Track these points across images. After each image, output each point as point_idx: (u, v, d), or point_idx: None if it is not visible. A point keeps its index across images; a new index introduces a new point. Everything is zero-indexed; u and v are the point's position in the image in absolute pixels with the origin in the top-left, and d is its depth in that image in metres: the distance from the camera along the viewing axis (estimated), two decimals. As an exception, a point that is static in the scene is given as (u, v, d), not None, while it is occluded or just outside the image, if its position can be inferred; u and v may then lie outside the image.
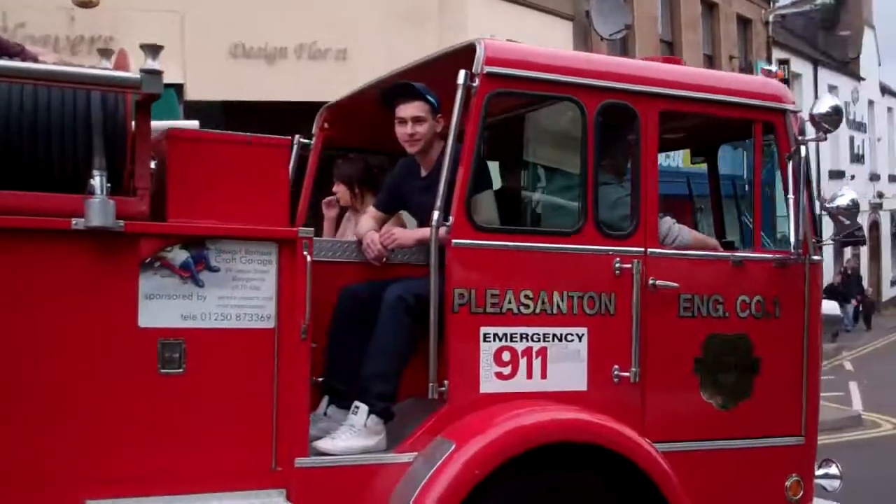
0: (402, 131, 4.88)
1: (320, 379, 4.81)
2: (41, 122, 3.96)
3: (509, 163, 5.66)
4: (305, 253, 4.24)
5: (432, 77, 4.89)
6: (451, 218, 4.49)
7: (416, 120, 4.85)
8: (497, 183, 5.22)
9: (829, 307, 5.64)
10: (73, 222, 3.87)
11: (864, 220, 33.93)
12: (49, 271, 3.91)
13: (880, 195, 37.72)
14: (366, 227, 4.92)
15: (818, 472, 5.47)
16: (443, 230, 4.48)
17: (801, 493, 5.23)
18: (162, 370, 4.06)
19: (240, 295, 4.20)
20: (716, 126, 5.59)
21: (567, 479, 4.49)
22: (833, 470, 5.48)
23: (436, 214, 4.47)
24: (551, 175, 5.23)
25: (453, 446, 4.32)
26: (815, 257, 5.29)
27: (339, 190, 5.97)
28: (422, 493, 4.22)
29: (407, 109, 4.86)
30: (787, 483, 5.21)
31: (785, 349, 5.26)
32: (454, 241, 4.50)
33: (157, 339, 4.05)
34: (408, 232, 4.77)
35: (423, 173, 4.90)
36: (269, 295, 4.25)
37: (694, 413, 5.01)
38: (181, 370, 4.08)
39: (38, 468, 3.87)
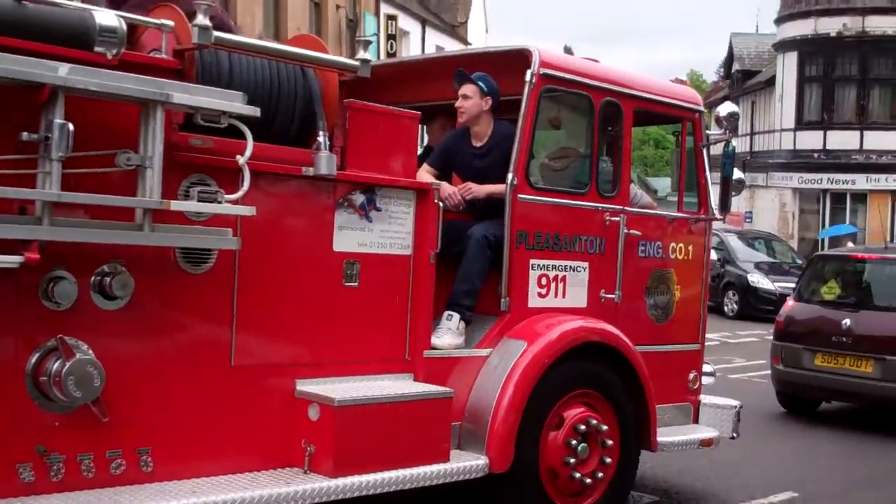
0: (457, 104, 6.41)
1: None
2: (276, 91, 5.15)
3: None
4: (437, 200, 5.72)
5: (477, 66, 6.46)
6: (515, 179, 6.13)
7: (465, 97, 6.39)
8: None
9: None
10: (304, 170, 5.12)
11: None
12: (281, 206, 5.14)
13: None
14: (427, 180, 6.36)
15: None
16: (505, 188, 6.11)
17: (697, 384, 7.41)
18: (345, 284, 5.40)
19: (392, 230, 5.61)
20: (655, 117, 7.56)
21: (589, 366, 6.31)
22: (708, 369, 7.70)
23: (510, 176, 6.10)
24: (569, 150, 6.97)
25: (525, 344, 6.01)
26: (717, 217, 7.46)
27: None
28: (510, 375, 5.87)
29: (461, 89, 6.40)
30: (690, 377, 7.36)
31: (692, 281, 7.39)
32: (519, 195, 6.15)
33: (343, 261, 5.39)
34: (481, 187, 6.32)
35: (477, 144, 6.46)
36: (409, 230, 5.69)
37: (642, 325, 7.00)
38: (356, 284, 5.45)
39: (268, 354, 5.12)
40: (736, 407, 7.44)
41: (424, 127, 7.48)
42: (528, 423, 5.90)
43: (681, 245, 7.26)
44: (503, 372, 5.92)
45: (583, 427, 6.18)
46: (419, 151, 6.81)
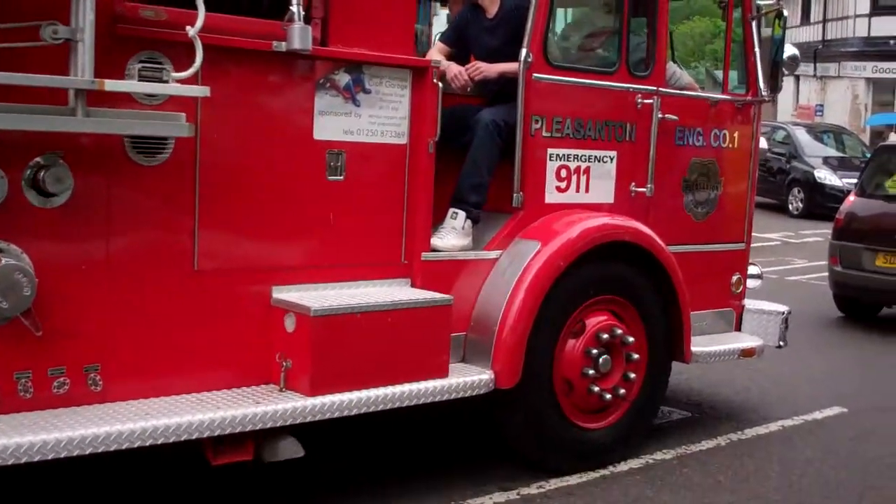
0: None
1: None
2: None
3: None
4: (436, 80, 4.99)
5: None
6: (531, 55, 5.36)
7: None
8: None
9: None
10: (274, 44, 4.42)
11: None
12: (250, 88, 4.46)
13: None
14: (437, 59, 5.64)
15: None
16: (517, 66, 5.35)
17: (741, 287, 6.67)
18: (329, 177, 4.74)
19: (384, 114, 4.91)
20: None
21: (614, 269, 5.61)
22: (755, 270, 6.95)
23: (524, 52, 5.33)
24: (593, 23, 6.15)
25: (539, 244, 5.32)
26: (762, 101, 6.61)
27: None
28: (520, 279, 5.21)
29: None
30: (733, 280, 6.62)
31: (738, 173, 6.61)
32: (534, 75, 5.39)
33: (325, 150, 4.72)
34: (492, 66, 5.58)
35: (489, 15, 5.68)
36: (404, 115, 4.99)
37: (679, 223, 6.26)
38: (342, 177, 4.78)
39: (240, 258, 4.50)
40: (783, 313, 6.71)
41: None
42: (540, 332, 5.26)
43: (725, 132, 6.45)
44: (513, 276, 5.26)
45: (605, 336, 5.52)
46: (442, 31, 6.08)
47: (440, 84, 5.02)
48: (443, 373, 4.90)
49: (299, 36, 4.40)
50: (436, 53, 5.77)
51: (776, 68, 6.43)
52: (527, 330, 5.16)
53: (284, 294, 4.60)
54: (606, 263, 5.59)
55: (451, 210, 5.37)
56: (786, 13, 6.38)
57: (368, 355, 4.62)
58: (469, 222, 5.37)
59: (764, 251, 15.52)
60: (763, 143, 7.49)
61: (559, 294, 5.34)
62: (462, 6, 6.05)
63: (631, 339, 5.63)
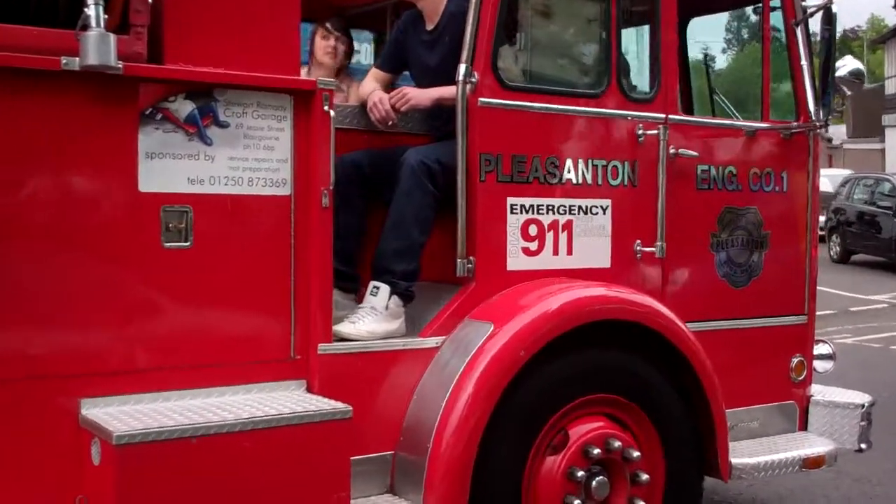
0: None
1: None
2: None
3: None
4: (327, 107, 3.63)
5: None
6: (475, 74, 3.97)
7: None
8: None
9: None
10: (64, 61, 3.14)
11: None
12: (33, 121, 3.18)
13: None
14: (369, 89, 4.32)
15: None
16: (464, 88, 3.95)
17: (805, 373, 5.05)
18: (166, 244, 3.40)
19: (252, 156, 3.57)
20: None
21: (610, 357, 4.11)
22: (825, 349, 5.32)
23: (462, 68, 3.94)
24: (572, 32, 4.73)
25: (492, 327, 3.86)
26: (821, 129, 5.05)
27: (335, 45, 4.87)
28: (464, 374, 3.75)
29: None
30: (792, 364, 5.01)
31: (790, 224, 5.03)
32: (480, 99, 3.99)
33: (159, 207, 3.39)
34: (423, 91, 4.21)
35: (429, 26, 4.32)
36: (285, 157, 3.64)
37: (710, 291, 4.72)
38: (188, 244, 3.44)
39: (29, 361, 3.18)
40: (864, 405, 5.04)
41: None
42: (497, 449, 3.79)
43: (769, 171, 4.90)
44: (454, 372, 3.80)
45: (596, 451, 3.99)
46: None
47: (332, 112, 3.65)
48: (341, 516, 3.45)
49: (95, 47, 3.12)
50: (370, 83, 4.42)
51: (829, 85, 4.87)
52: (473, 445, 3.69)
53: (95, 410, 3.24)
54: (598, 352, 4.09)
55: (372, 284, 3.97)
56: (835, 10, 4.83)
57: (214, 499, 3.20)
58: (395, 299, 3.95)
59: (868, 315, 13.59)
60: (828, 185, 5.73)
61: (525, 394, 3.86)
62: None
63: (636, 453, 4.08)
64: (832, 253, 22.71)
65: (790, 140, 4.97)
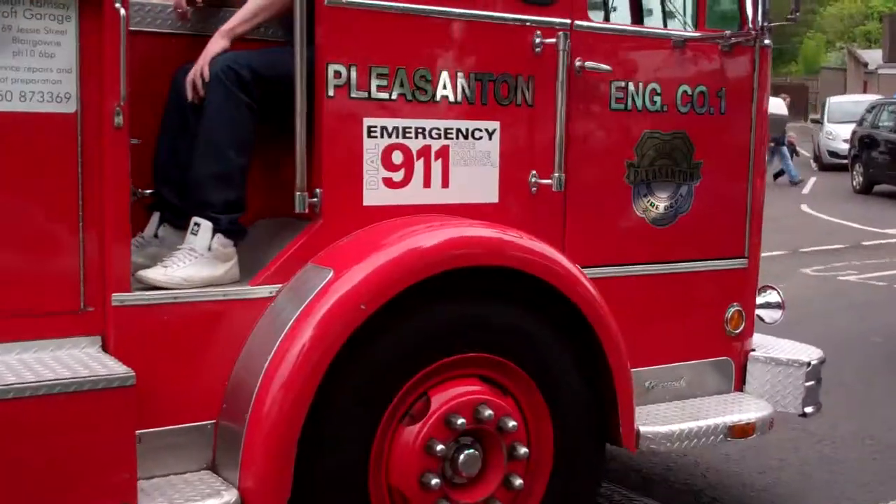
0: None
1: (148, 191, 3.60)
2: None
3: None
4: (118, 5, 2.97)
5: None
6: (321, -33, 3.28)
7: None
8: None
9: (774, 105, 4.71)
10: None
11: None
12: None
13: None
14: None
15: (757, 301, 4.65)
16: None
17: (742, 325, 4.39)
18: None
19: (25, 65, 2.93)
20: None
21: (485, 311, 3.46)
22: (773, 297, 4.66)
23: (303, -43, 3.25)
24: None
25: (331, 274, 3.23)
26: (766, 41, 4.31)
27: None
28: (288, 337, 3.13)
29: None
30: (727, 314, 4.35)
31: (728, 152, 4.33)
32: (328, -4, 3.31)
33: None
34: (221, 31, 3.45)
35: None
36: (68, 66, 2.99)
37: (624, 231, 4.04)
38: (-63, 171, 2.82)
39: None
40: (809, 363, 4.38)
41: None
42: (333, 418, 3.19)
43: (702, 88, 4.18)
44: (282, 327, 3.18)
45: (460, 421, 3.37)
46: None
47: (123, 10, 2.98)
48: (121, 500, 2.87)
49: None
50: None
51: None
52: (298, 414, 3.08)
53: None
54: (470, 304, 3.45)
55: (192, 221, 3.34)
56: None
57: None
58: (220, 238, 3.33)
59: (880, 251, 12.83)
60: (779, 107, 4.91)
61: (372, 353, 3.24)
62: None
63: (511, 423, 3.46)
64: (854, 183, 21.80)
65: (731, 54, 4.24)
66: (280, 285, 3.31)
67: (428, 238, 3.35)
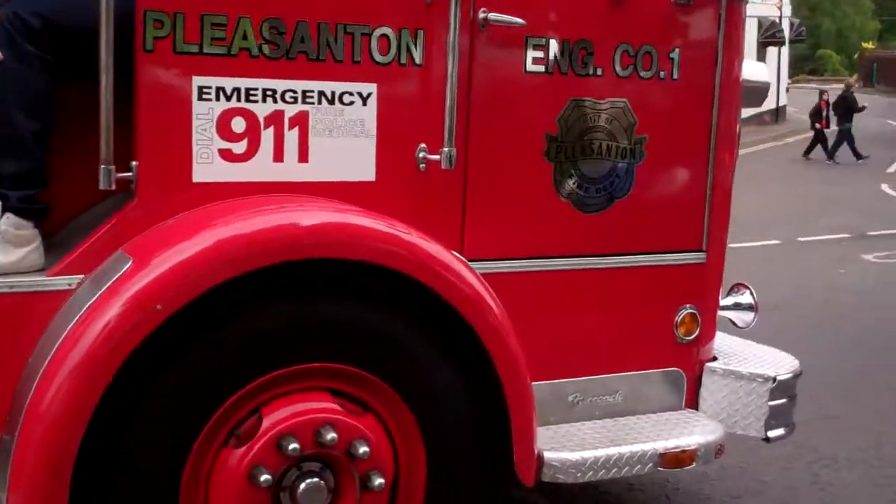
0: None
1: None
2: None
3: None
4: None
5: None
6: None
7: None
8: None
9: (755, 71, 3.99)
10: None
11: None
12: None
13: None
14: None
15: (725, 302, 3.96)
16: None
17: (697, 330, 3.70)
18: None
19: None
20: None
21: (338, 313, 2.86)
22: (745, 298, 3.96)
23: None
24: None
25: (129, 265, 2.67)
26: (731, -11, 3.60)
27: None
28: (69, 337, 2.59)
29: None
30: (678, 318, 3.67)
31: (684, 127, 3.63)
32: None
33: None
34: None
35: None
36: None
37: (542, 218, 3.39)
38: None
39: None
40: (776, 377, 3.68)
41: None
42: (126, 437, 2.64)
43: (649, 48, 3.49)
44: (63, 328, 2.64)
45: (293, 445, 2.79)
46: None
47: None
48: None
49: None
50: None
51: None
52: (73, 430, 2.53)
53: None
54: (316, 304, 2.86)
55: (-17, 200, 2.81)
56: None
57: None
58: (12, 220, 2.80)
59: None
60: (758, 72, 4.15)
61: (181, 361, 2.69)
62: None
63: (363, 448, 2.87)
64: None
65: (688, 7, 3.53)
66: (83, 276, 2.77)
67: (251, 224, 2.76)
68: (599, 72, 3.40)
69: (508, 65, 3.25)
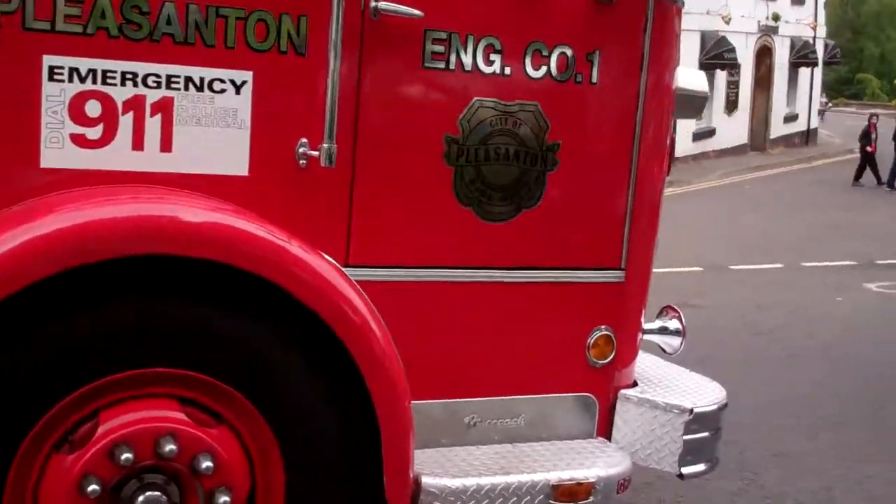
0: None
1: None
2: None
3: None
4: None
5: None
6: None
7: None
8: None
9: (692, 80, 3.73)
10: None
11: (750, 44, 29.55)
12: None
13: (776, 17, 31.20)
14: None
15: (650, 326, 3.71)
16: None
17: (612, 354, 3.45)
18: None
19: None
20: None
21: (184, 315, 2.65)
22: (672, 323, 3.72)
23: None
24: None
25: (-48, 254, 2.47)
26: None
27: None
28: None
29: None
30: (590, 339, 3.42)
31: (603, 135, 3.39)
32: None
33: None
34: None
35: None
36: None
37: (438, 224, 3.16)
38: None
39: None
40: (693, 410, 3.42)
41: None
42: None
43: (565, 48, 3.25)
44: None
45: (126, 455, 2.58)
46: None
47: None
48: None
49: None
50: None
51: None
52: None
53: None
54: (163, 304, 2.65)
55: None
56: None
57: None
58: None
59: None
60: (696, 83, 3.86)
61: (2, 360, 2.48)
62: None
63: (206, 463, 2.65)
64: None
65: (610, 6, 3.29)
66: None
67: (80, 216, 2.55)
68: (508, 71, 3.17)
69: (403, 59, 3.03)
